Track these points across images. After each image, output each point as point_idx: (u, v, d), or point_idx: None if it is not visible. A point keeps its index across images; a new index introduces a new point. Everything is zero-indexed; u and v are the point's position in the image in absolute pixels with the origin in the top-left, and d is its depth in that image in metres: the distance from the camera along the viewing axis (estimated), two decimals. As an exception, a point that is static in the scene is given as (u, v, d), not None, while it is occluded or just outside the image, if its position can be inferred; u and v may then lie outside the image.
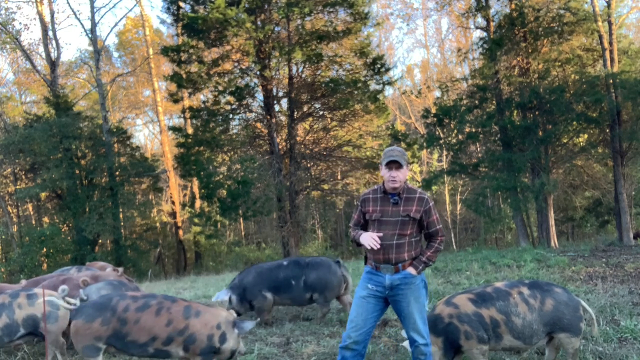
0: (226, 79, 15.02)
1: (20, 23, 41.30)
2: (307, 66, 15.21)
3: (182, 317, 3.91)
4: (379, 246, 3.43)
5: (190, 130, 17.49)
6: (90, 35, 20.09)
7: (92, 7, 19.71)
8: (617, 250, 11.61)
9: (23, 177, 20.59)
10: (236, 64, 15.52)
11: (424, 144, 15.85)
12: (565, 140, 15.20)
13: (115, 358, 4.83)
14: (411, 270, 3.50)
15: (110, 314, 3.91)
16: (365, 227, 3.70)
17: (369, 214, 3.61)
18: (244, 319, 5.28)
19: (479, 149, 19.05)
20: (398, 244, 3.50)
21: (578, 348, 3.94)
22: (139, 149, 21.75)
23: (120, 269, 6.66)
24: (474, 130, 15.10)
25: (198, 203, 20.17)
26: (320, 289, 5.84)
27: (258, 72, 15.00)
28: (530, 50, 14.70)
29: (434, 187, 18.52)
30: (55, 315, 4.64)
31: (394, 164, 3.46)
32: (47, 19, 19.72)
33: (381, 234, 3.48)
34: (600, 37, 14.67)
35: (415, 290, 3.52)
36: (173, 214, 24.07)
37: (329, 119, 16.14)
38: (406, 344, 3.80)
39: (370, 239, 3.44)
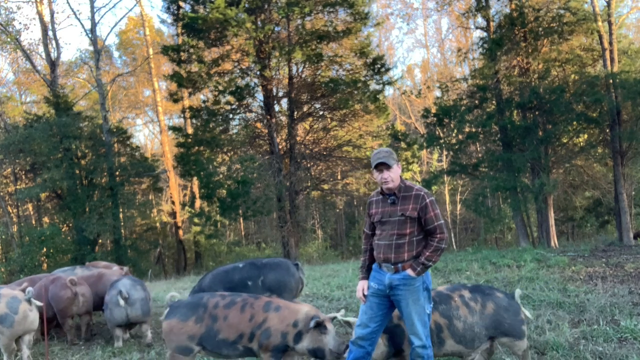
0: (226, 79, 15.03)
1: (20, 23, 41.09)
2: (307, 66, 15.21)
3: (262, 310, 3.90)
4: (363, 300, 3.64)
5: (190, 130, 17.51)
6: (90, 35, 20.06)
7: (92, 7, 19.68)
8: (617, 250, 11.60)
9: (23, 177, 20.58)
10: (236, 64, 15.52)
11: (424, 144, 15.85)
12: (565, 140, 15.20)
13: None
14: (410, 272, 3.44)
15: (202, 310, 3.92)
16: (374, 229, 3.70)
17: (373, 217, 3.63)
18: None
19: (479, 149, 19.05)
20: (397, 244, 3.47)
21: (527, 350, 3.91)
22: (139, 149, 21.72)
23: (126, 268, 6.67)
24: (474, 130, 15.10)
25: (198, 203, 20.18)
26: (277, 290, 5.75)
27: (258, 72, 15.01)
28: (530, 50, 14.69)
29: (434, 187, 18.51)
30: (11, 320, 4.60)
31: (382, 166, 3.47)
32: (47, 19, 19.69)
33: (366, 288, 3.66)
34: (600, 37, 14.65)
35: (414, 292, 3.46)
36: (173, 214, 24.05)
37: (329, 119, 16.15)
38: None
39: (359, 291, 3.70)
